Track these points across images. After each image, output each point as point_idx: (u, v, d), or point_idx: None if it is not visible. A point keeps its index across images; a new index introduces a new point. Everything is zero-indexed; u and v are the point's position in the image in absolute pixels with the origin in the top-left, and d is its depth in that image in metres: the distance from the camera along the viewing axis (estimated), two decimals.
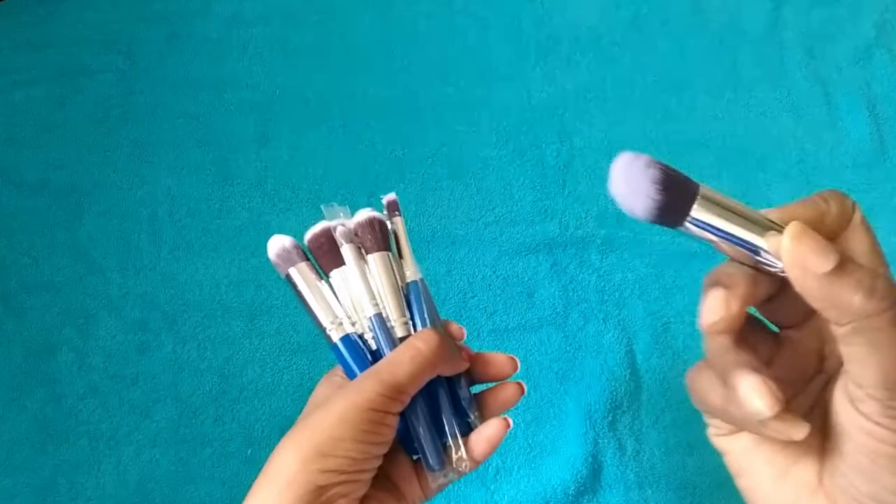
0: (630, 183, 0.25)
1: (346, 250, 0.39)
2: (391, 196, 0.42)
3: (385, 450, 0.34)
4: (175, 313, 0.65)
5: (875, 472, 0.23)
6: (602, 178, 0.72)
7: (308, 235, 0.40)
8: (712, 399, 0.27)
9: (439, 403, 0.38)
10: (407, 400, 0.34)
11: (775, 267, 0.24)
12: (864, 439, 0.23)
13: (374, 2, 0.82)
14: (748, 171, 0.73)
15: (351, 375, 0.37)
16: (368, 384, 0.33)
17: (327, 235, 0.39)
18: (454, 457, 0.37)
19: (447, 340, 0.37)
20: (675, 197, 0.24)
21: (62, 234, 0.69)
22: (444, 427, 0.38)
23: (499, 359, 0.40)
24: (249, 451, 0.60)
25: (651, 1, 0.82)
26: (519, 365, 0.40)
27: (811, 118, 0.76)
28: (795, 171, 0.73)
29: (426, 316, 0.39)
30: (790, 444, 0.27)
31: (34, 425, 0.61)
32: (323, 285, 0.39)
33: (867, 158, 0.73)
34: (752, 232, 0.24)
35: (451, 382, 0.39)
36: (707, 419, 0.30)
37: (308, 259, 0.40)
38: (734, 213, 0.24)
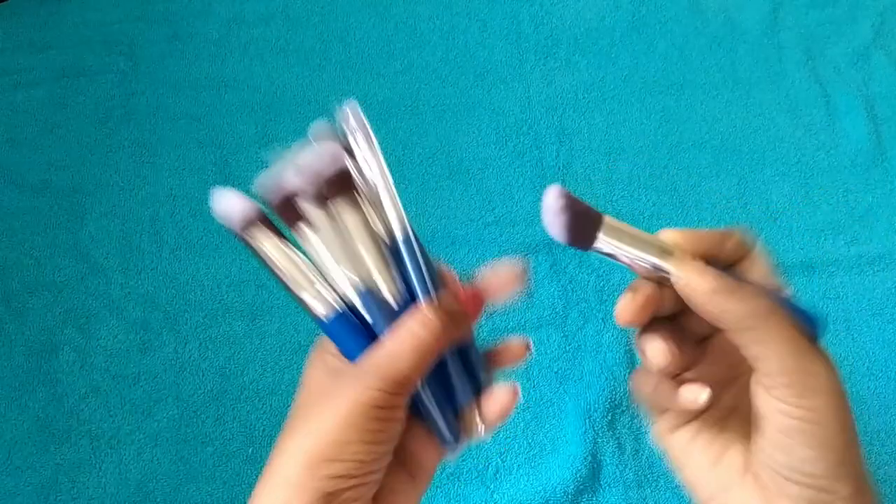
0: (551, 218, 0.30)
1: (313, 214, 0.32)
2: (352, 107, 0.33)
3: (395, 442, 0.32)
4: (176, 313, 0.66)
5: (790, 444, 0.28)
6: (601, 178, 0.73)
7: (264, 190, 0.32)
8: (644, 389, 0.33)
9: (448, 372, 0.33)
10: (413, 388, 0.32)
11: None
12: (780, 419, 0.28)
13: (374, 3, 0.82)
14: (747, 171, 0.73)
15: (347, 354, 0.33)
16: (370, 381, 0.30)
17: (284, 189, 0.32)
18: (469, 424, 0.34)
19: (451, 313, 0.32)
20: (582, 228, 0.30)
21: (64, 235, 0.69)
22: (455, 395, 0.34)
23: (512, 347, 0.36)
24: (250, 451, 0.60)
25: (650, 1, 0.83)
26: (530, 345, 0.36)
27: (809, 118, 0.76)
28: (794, 171, 0.73)
29: (425, 279, 0.32)
30: (720, 435, 0.32)
31: (36, 425, 0.61)
32: (290, 248, 0.33)
33: (865, 159, 0.74)
34: (648, 253, 0.30)
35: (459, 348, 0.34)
36: (651, 418, 0.35)
37: (264, 215, 0.33)
38: (633, 238, 0.31)
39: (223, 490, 0.59)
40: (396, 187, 0.33)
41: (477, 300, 0.33)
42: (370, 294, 0.32)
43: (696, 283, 0.29)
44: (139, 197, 0.71)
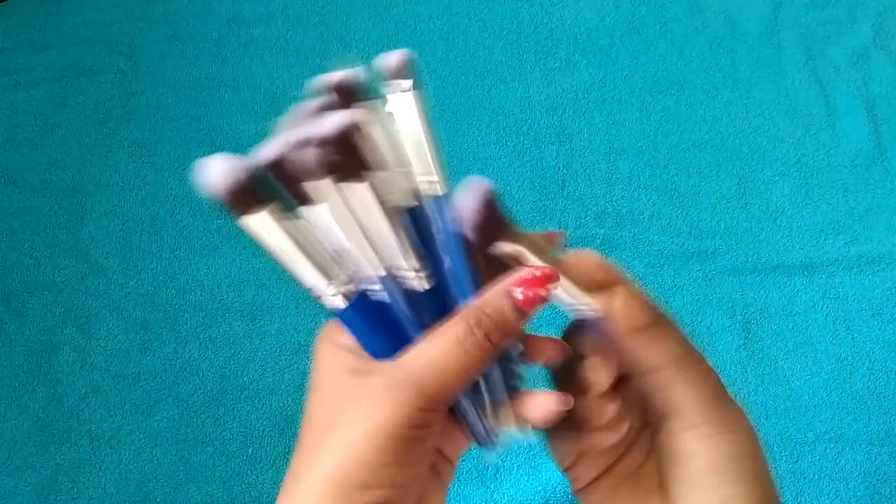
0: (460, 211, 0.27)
1: (323, 188, 0.26)
2: (398, 56, 0.28)
3: (433, 458, 0.28)
4: (176, 313, 0.66)
5: (717, 483, 0.27)
6: (601, 178, 0.73)
7: (266, 157, 0.27)
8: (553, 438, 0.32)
9: (489, 372, 0.29)
10: (449, 406, 0.28)
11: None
12: (707, 457, 0.27)
13: (374, 3, 0.82)
14: (747, 171, 0.73)
15: (368, 347, 0.28)
16: (408, 396, 0.25)
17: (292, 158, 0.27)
18: (506, 422, 0.30)
19: (507, 322, 0.26)
20: (488, 231, 0.27)
21: (64, 235, 0.69)
22: (492, 391, 0.29)
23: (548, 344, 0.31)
24: (250, 451, 0.60)
25: (650, 2, 0.82)
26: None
27: (809, 118, 0.76)
28: (794, 171, 0.73)
29: (469, 276, 0.27)
30: (638, 485, 0.31)
31: (36, 425, 0.61)
32: (300, 226, 0.27)
33: (865, 158, 0.74)
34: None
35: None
36: (566, 474, 0.32)
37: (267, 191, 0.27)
38: (541, 254, 0.28)
39: (223, 490, 0.59)
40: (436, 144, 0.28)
41: (533, 301, 0.26)
42: (391, 277, 0.27)
43: (623, 318, 0.27)
44: (139, 197, 0.71)
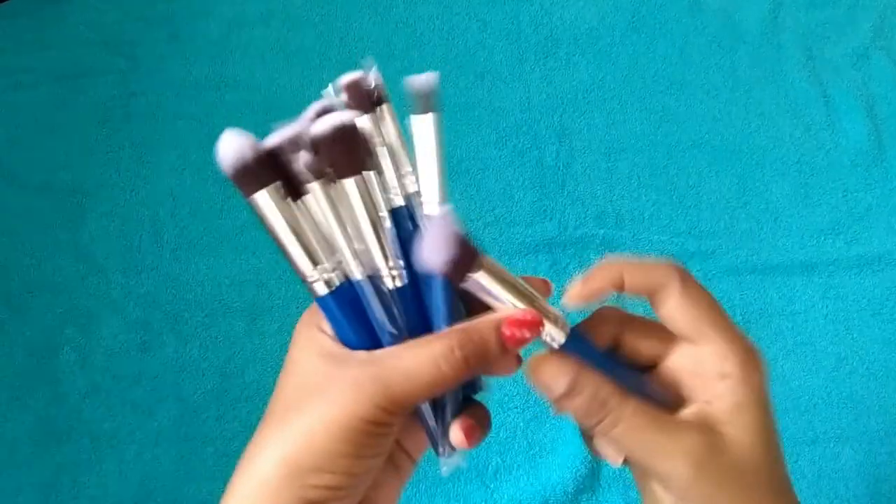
0: (430, 246, 0.27)
1: (315, 189, 0.28)
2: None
3: (387, 455, 0.29)
4: (177, 313, 0.66)
5: None
6: (601, 178, 0.73)
7: (265, 146, 0.29)
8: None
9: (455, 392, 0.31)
10: (409, 411, 0.28)
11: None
12: None
13: (374, 3, 0.82)
14: (747, 171, 0.73)
15: (342, 336, 0.29)
16: (374, 396, 0.26)
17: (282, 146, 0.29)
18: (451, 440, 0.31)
19: (488, 352, 0.27)
20: (460, 266, 0.26)
21: (64, 235, 0.69)
22: (446, 407, 0.30)
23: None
24: None
25: (649, 2, 0.83)
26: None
27: (809, 119, 0.76)
28: (794, 171, 0.73)
29: (446, 298, 0.29)
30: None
31: (36, 424, 0.61)
32: (300, 211, 0.28)
33: (865, 159, 0.74)
34: (522, 303, 0.27)
35: None
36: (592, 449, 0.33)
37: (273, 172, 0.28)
38: (514, 287, 0.28)
39: (224, 489, 0.59)
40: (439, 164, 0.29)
41: (519, 341, 0.27)
42: (371, 279, 0.29)
43: (545, 383, 0.28)
44: (139, 197, 0.71)
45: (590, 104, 0.77)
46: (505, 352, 0.27)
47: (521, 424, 0.61)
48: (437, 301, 0.29)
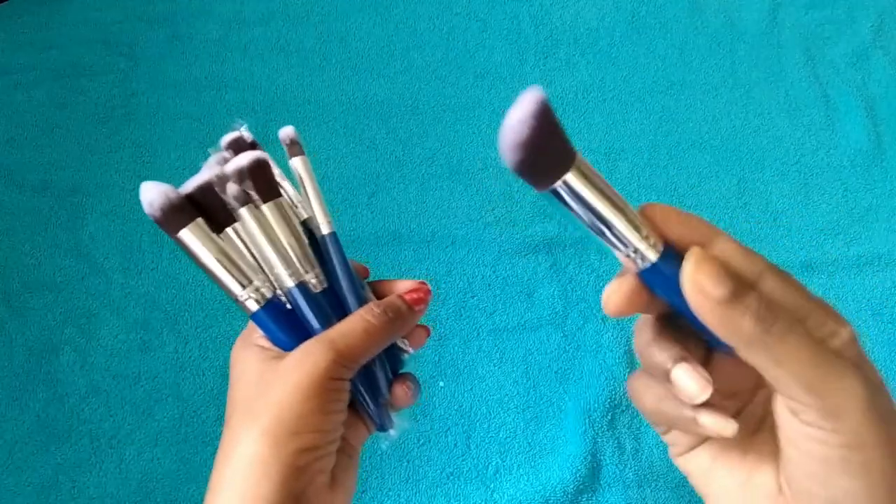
0: (516, 124, 0.23)
1: (244, 214, 0.34)
2: (288, 131, 0.37)
3: (346, 414, 0.33)
4: (177, 313, 0.66)
5: (829, 475, 0.23)
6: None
7: (191, 188, 0.34)
8: (647, 400, 0.28)
9: (382, 360, 0.36)
10: (357, 368, 0.33)
11: (620, 250, 0.24)
12: (813, 446, 0.24)
13: (374, 3, 0.82)
14: (746, 171, 0.73)
15: (278, 343, 0.34)
16: (322, 353, 0.31)
17: (212, 189, 0.34)
18: (390, 412, 0.36)
19: (397, 310, 0.34)
20: (553, 156, 0.23)
21: (64, 235, 0.69)
22: (379, 386, 0.36)
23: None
24: None
25: (649, 2, 0.83)
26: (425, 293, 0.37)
27: (809, 119, 0.76)
28: (793, 171, 0.73)
29: (352, 275, 0.35)
30: (746, 455, 0.27)
31: (36, 424, 0.61)
32: (223, 241, 0.34)
33: (865, 158, 0.74)
34: (618, 216, 0.24)
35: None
36: (663, 437, 0.30)
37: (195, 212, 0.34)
38: (606, 193, 0.24)
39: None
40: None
41: (419, 301, 0.36)
42: (304, 288, 0.34)
43: (703, 288, 0.23)
44: (139, 197, 0.71)
45: (590, 104, 0.77)
46: (411, 310, 0.35)
47: (521, 424, 0.61)
48: (353, 297, 0.35)
